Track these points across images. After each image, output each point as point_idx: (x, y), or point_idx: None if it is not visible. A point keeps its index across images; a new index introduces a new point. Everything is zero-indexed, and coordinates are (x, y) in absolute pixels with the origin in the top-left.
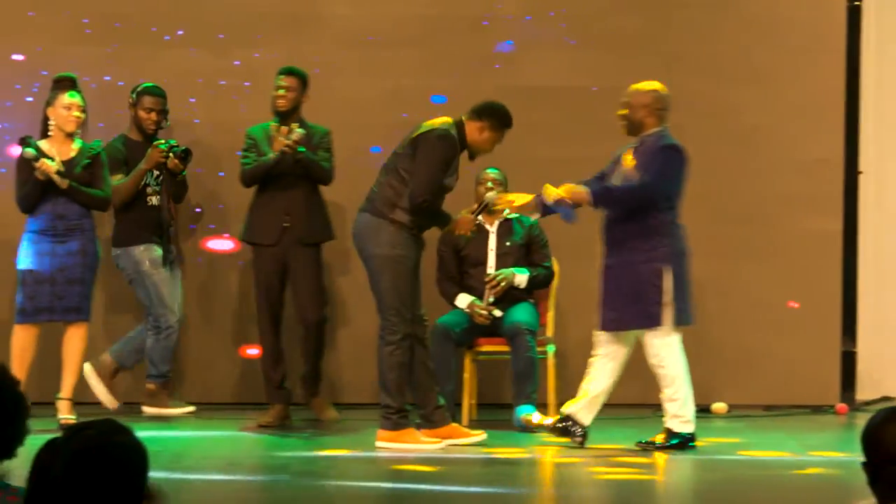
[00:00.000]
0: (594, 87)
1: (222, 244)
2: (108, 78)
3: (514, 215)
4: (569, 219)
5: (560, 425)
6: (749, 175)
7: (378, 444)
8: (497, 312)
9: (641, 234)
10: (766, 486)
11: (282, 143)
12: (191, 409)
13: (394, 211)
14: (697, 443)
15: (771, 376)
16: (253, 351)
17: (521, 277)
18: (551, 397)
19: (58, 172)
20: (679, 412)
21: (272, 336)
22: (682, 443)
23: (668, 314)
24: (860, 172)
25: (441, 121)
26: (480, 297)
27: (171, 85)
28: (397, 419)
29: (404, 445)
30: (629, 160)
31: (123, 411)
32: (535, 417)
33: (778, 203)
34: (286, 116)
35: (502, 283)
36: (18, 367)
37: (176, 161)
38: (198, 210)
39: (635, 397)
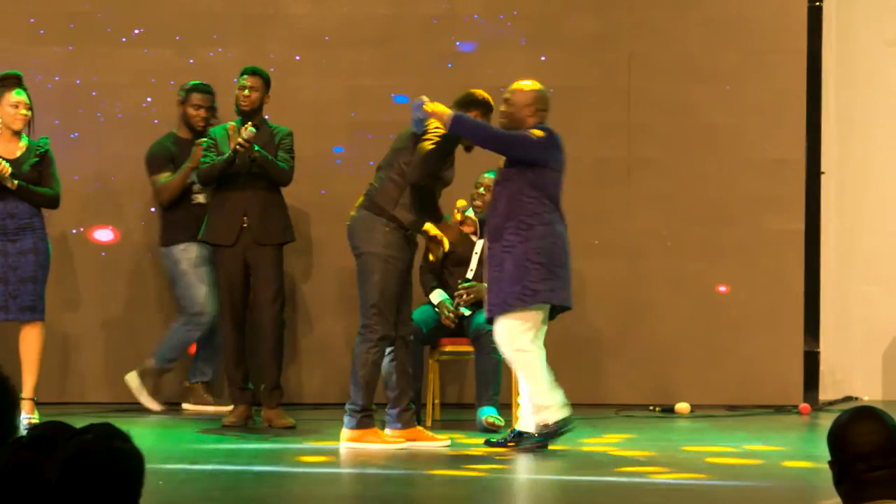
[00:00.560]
0: (551, 87)
1: None
2: (57, 78)
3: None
4: (417, 127)
5: (514, 443)
6: (711, 175)
7: (342, 443)
8: (465, 311)
9: (512, 227)
10: (730, 486)
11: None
12: (230, 407)
13: (395, 207)
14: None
15: (734, 376)
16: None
17: None
18: (514, 399)
19: (10, 175)
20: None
21: (234, 336)
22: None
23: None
24: (822, 172)
25: None
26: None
27: (129, 85)
28: (361, 418)
29: (368, 445)
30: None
31: (168, 412)
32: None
33: (740, 203)
34: (249, 116)
35: (472, 297)
36: None
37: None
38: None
39: (596, 397)
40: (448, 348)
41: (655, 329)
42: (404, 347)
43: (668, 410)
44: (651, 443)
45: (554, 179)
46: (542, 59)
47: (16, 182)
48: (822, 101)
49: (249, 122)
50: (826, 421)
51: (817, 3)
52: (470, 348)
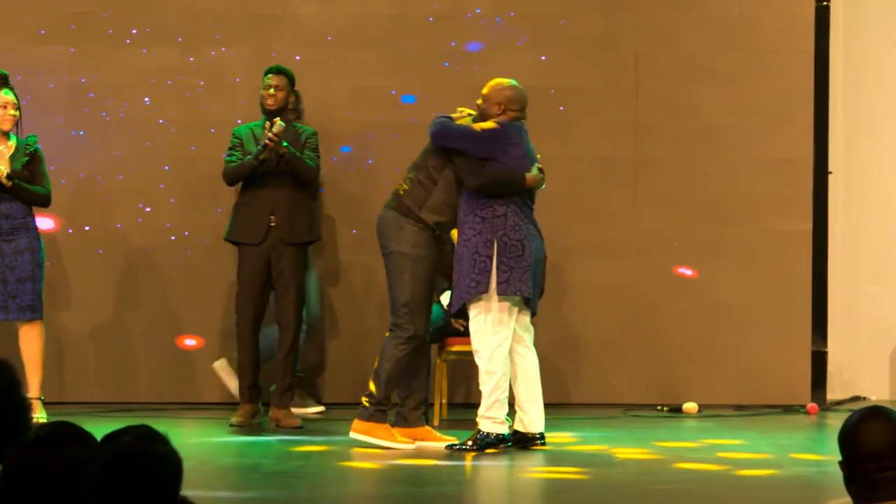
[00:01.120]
0: (554, 87)
1: None
2: (64, 78)
3: None
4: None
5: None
6: (718, 176)
7: (352, 433)
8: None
9: (470, 220)
10: (738, 486)
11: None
12: (320, 408)
13: (421, 209)
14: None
15: (742, 376)
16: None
17: None
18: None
19: (7, 176)
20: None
21: (251, 335)
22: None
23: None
24: (829, 172)
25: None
26: None
27: (133, 85)
28: (374, 410)
29: (376, 441)
30: None
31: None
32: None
33: (748, 203)
34: (274, 115)
35: None
36: None
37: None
38: (148, 210)
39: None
40: (455, 348)
41: (663, 329)
42: (422, 347)
43: (676, 410)
44: (658, 443)
45: (506, 171)
46: (545, 58)
47: (11, 181)
48: (830, 101)
49: (277, 119)
50: (834, 421)
51: (824, 3)
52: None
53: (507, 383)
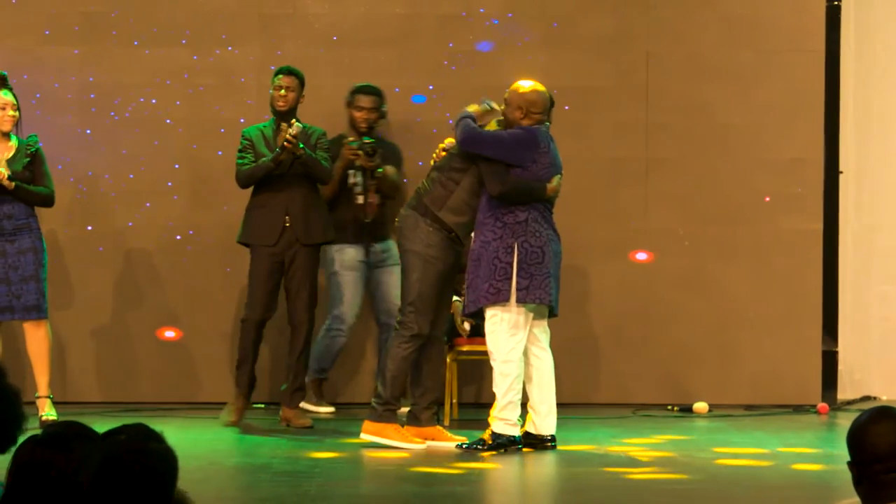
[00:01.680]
0: (565, 87)
1: None
2: (73, 78)
3: None
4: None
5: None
6: (729, 175)
7: (362, 435)
8: (466, 326)
9: (490, 223)
10: (749, 485)
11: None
12: (331, 409)
13: (441, 209)
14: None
15: (752, 376)
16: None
17: None
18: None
19: (8, 178)
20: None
21: (255, 335)
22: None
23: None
24: (840, 172)
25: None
26: None
27: (142, 84)
28: (383, 411)
29: (388, 441)
30: None
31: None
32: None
33: (758, 203)
34: (285, 116)
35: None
36: None
37: (365, 158)
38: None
39: (615, 397)
40: (465, 348)
41: (673, 329)
42: (437, 347)
43: (686, 410)
44: (669, 443)
45: (529, 178)
46: (558, 58)
47: (13, 183)
48: (841, 101)
49: (294, 120)
50: (845, 420)
51: (836, 3)
52: (486, 348)
53: (521, 385)
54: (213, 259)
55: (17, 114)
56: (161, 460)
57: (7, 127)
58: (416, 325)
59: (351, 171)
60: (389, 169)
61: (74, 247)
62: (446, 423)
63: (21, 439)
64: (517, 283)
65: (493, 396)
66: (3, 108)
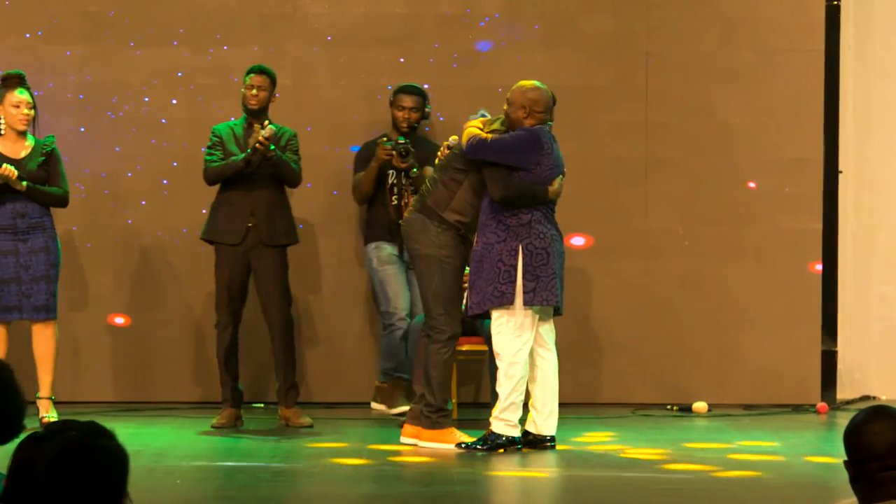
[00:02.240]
0: (565, 87)
1: None
2: (72, 78)
3: None
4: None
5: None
6: (729, 175)
7: (420, 443)
8: None
9: (493, 225)
10: (748, 485)
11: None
12: (405, 408)
13: (445, 210)
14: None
15: (751, 376)
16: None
17: None
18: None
19: (18, 177)
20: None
21: (228, 336)
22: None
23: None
24: (840, 172)
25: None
26: None
27: (142, 84)
28: (437, 418)
29: (445, 445)
30: None
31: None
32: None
33: (758, 202)
34: (257, 115)
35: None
36: None
37: (398, 158)
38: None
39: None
40: (464, 347)
41: (672, 328)
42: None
43: (686, 410)
44: (668, 443)
45: (534, 180)
46: (558, 58)
47: (24, 183)
48: (840, 100)
49: (267, 121)
50: (844, 420)
51: (835, 2)
52: (485, 347)
53: (525, 387)
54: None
55: (32, 112)
56: (111, 456)
57: (21, 126)
58: (450, 328)
59: (390, 172)
60: (427, 170)
61: (74, 246)
62: None
63: (22, 435)
64: (524, 285)
65: (490, 396)
66: (19, 107)
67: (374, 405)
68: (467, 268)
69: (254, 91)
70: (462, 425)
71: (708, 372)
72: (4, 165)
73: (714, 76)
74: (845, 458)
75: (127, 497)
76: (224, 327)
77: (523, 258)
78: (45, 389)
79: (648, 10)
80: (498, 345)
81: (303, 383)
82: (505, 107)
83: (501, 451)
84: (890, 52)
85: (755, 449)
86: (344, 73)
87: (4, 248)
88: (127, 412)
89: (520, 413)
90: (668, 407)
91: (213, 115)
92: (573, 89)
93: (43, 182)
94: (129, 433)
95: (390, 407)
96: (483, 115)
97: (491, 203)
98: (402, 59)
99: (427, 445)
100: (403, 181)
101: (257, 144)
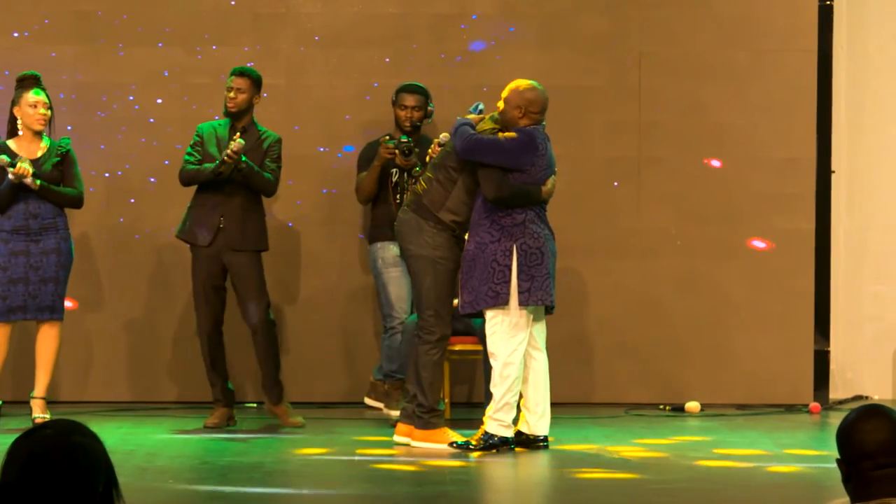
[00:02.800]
0: (558, 86)
1: None
2: (63, 77)
3: None
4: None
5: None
6: (721, 174)
7: (413, 442)
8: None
9: (486, 225)
10: (741, 485)
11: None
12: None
13: (440, 210)
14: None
15: (744, 375)
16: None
17: None
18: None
19: (32, 175)
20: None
21: (211, 337)
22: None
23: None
24: (833, 171)
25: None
26: None
27: (135, 83)
28: (429, 418)
29: (437, 445)
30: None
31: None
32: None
33: (750, 202)
34: (237, 117)
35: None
36: None
37: (401, 156)
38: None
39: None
40: (457, 347)
41: (665, 328)
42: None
43: (678, 409)
44: (660, 442)
45: (528, 181)
46: (551, 58)
47: (38, 182)
48: (833, 100)
49: (238, 134)
50: (836, 420)
51: (828, 2)
52: (479, 347)
53: (519, 387)
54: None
55: (48, 113)
56: (87, 454)
57: (38, 126)
58: (440, 329)
59: (394, 170)
60: None
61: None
62: None
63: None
64: (518, 285)
65: (484, 395)
66: (35, 107)
67: (367, 400)
68: None
69: (231, 94)
70: (455, 425)
71: (700, 372)
72: (19, 165)
73: (707, 76)
74: (838, 457)
75: (119, 498)
76: (204, 329)
77: (518, 258)
78: (40, 389)
79: (642, 10)
80: (493, 345)
81: (298, 383)
82: (499, 104)
83: (494, 450)
84: (882, 52)
85: (748, 449)
86: (337, 72)
87: (16, 248)
88: (119, 412)
89: (514, 413)
90: (661, 407)
91: (205, 115)
92: (567, 89)
93: (57, 183)
94: (121, 433)
95: (390, 408)
96: (480, 110)
97: (484, 202)
98: (394, 59)
99: (419, 445)
100: (407, 180)
101: (225, 157)
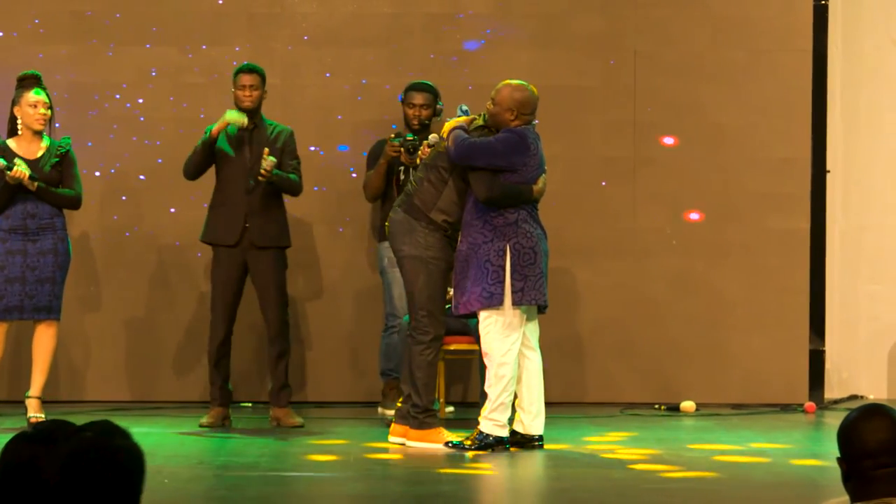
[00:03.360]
0: (553, 86)
1: None
2: (57, 77)
3: None
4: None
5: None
6: (717, 174)
7: (408, 442)
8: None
9: (479, 225)
10: (736, 484)
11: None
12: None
13: (431, 210)
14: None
15: (739, 375)
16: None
17: None
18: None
19: (30, 177)
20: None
21: (222, 336)
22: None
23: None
24: (828, 171)
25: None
26: None
27: (131, 83)
28: (423, 418)
29: (432, 445)
30: None
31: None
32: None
33: (746, 202)
34: (251, 114)
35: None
36: None
37: (406, 154)
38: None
39: (602, 396)
40: (453, 346)
41: (661, 328)
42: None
43: (674, 409)
44: (656, 442)
45: (520, 180)
46: (546, 57)
47: (36, 183)
48: (829, 100)
49: (267, 151)
50: (832, 419)
51: (823, 2)
52: (475, 346)
53: (514, 387)
54: (192, 257)
55: (48, 113)
56: (128, 456)
57: (38, 126)
58: (433, 329)
59: (400, 168)
60: None
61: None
62: None
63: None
64: (512, 285)
65: (479, 395)
66: (35, 107)
67: (381, 410)
68: None
69: (246, 91)
70: (450, 424)
71: (696, 371)
72: (16, 168)
73: (703, 76)
74: (838, 455)
75: None
76: (218, 327)
77: (511, 258)
78: (36, 389)
79: (637, 10)
80: (487, 345)
81: (302, 383)
82: (489, 105)
83: (489, 450)
84: (878, 52)
85: (743, 448)
86: (332, 72)
87: (14, 248)
88: (116, 411)
89: (509, 413)
90: (656, 406)
91: (197, 115)
92: (562, 88)
93: (56, 183)
94: None
95: (386, 407)
96: (465, 112)
97: (476, 203)
98: (388, 59)
99: (414, 445)
100: (413, 177)
101: (259, 176)
